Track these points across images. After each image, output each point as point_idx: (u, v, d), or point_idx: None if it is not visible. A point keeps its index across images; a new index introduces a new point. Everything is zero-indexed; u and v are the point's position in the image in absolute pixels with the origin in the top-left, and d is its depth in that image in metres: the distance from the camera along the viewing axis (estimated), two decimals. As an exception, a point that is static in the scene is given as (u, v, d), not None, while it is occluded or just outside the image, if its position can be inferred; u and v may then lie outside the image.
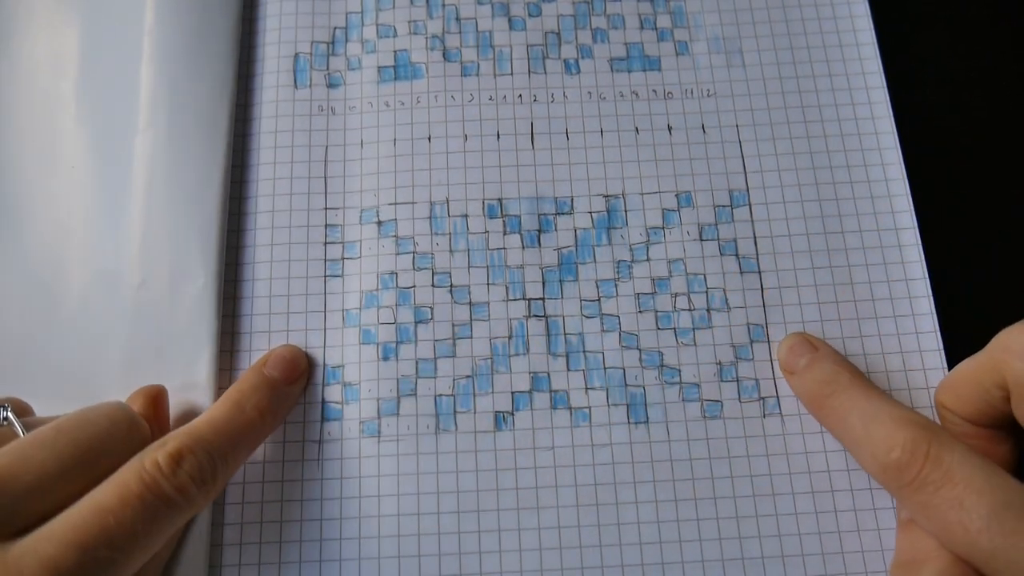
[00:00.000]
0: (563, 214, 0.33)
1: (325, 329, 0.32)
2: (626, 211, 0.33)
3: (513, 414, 0.31)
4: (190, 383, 0.30)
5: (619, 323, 0.32)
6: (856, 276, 0.32)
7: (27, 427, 0.26)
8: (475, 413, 0.31)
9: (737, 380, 0.31)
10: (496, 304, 0.32)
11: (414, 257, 0.32)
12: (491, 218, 0.33)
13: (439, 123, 0.34)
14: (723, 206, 0.33)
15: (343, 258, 0.33)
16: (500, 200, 0.33)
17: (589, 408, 0.31)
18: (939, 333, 0.31)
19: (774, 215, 0.33)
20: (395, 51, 0.35)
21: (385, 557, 0.29)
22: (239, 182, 0.33)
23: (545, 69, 0.35)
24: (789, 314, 0.32)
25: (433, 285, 0.32)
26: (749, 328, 0.32)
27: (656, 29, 0.36)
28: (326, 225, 0.33)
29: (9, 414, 0.26)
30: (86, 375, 0.31)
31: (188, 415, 0.30)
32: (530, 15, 0.36)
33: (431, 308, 0.32)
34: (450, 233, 0.33)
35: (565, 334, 0.31)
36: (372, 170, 0.34)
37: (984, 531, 0.23)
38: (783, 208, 0.33)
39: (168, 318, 0.31)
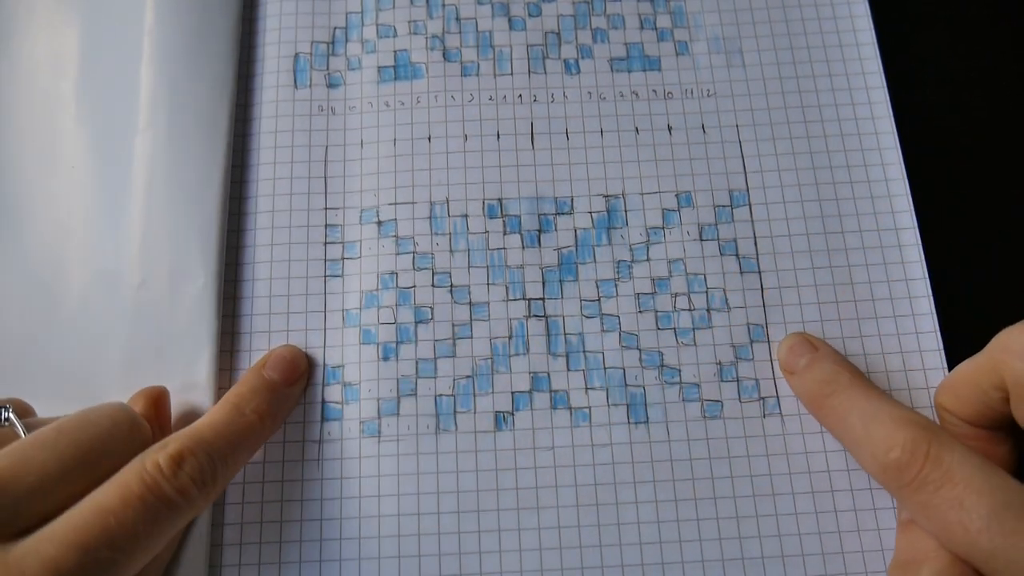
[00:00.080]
0: (563, 214, 0.33)
1: (325, 329, 0.32)
2: (626, 211, 0.33)
3: (513, 414, 0.31)
4: (190, 383, 0.30)
5: (619, 323, 0.32)
6: (856, 276, 0.32)
7: (28, 428, 0.26)
8: (475, 413, 0.31)
9: (737, 380, 0.31)
10: (496, 304, 0.32)
11: (414, 257, 0.32)
12: (491, 218, 0.33)
13: (439, 123, 0.34)
14: (723, 206, 0.33)
15: (343, 258, 0.33)
16: (500, 200, 0.33)
17: (589, 408, 0.31)
18: (939, 333, 0.31)
19: (774, 215, 0.33)
20: (395, 51, 0.35)
21: (385, 557, 0.29)
22: (239, 182, 0.33)
23: (545, 69, 0.35)
24: (789, 314, 0.32)
25: (433, 285, 0.32)
26: (749, 328, 0.32)
27: (656, 29, 0.36)
28: (326, 225, 0.33)
29: (11, 415, 0.26)
30: (86, 375, 0.31)
31: (188, 415, 0.30)
32: (530, 15, 0.36)
33: (431, 308, 0.32)
34: (450, 233, 0.33)
35: (565, 334, 0.31)
36: (372, 170, 0.33)
37: (984, 531, 0.23)
38: (783, 208, 0.33)
39: (168, 318, 0.31)
